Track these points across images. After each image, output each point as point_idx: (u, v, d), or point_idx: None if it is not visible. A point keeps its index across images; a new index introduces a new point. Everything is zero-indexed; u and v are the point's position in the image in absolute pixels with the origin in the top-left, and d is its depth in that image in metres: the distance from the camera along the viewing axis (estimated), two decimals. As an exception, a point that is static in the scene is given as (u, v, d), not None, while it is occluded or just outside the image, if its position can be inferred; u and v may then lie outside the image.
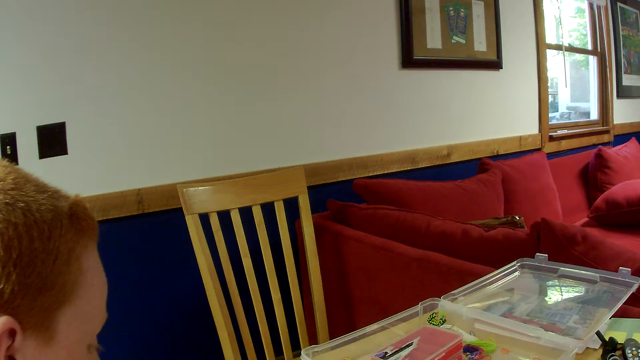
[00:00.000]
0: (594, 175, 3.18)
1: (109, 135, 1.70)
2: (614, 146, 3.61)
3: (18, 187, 0.42)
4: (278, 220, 1.59)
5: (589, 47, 3.88)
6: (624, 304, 0.95)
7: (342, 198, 1.97)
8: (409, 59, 2.47)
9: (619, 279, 1.04)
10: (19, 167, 0.46)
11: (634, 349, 0.83)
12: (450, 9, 2.63)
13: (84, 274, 0.45)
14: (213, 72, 1.90)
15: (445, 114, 2.69)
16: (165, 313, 1.82)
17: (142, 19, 1.74)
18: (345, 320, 1.83)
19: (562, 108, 4.16)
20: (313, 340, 1.69)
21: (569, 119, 4.01)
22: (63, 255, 0.43)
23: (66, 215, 0.45)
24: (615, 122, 3.93)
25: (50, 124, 1.59)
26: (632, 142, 3.59)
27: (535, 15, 3.18)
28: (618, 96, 3.95)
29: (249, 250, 1.53)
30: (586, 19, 3.88)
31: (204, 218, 1.47)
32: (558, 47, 3.57)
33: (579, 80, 4.17)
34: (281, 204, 1.60)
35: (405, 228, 1.67)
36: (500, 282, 1.13)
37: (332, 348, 0.88)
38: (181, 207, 1.46)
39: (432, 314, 1.00)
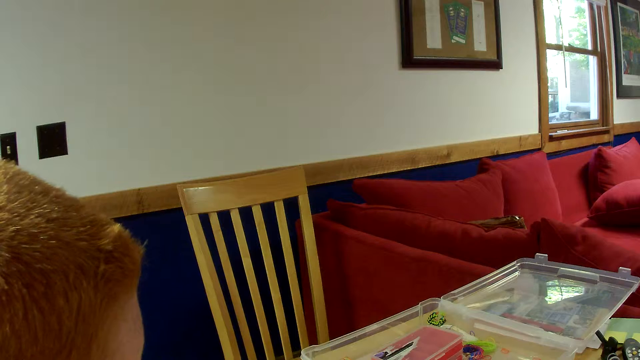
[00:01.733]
0: (594, 175, 3.18)
1: (109, 135, 1.70)
2: (614, 146, 3.61)
3: (19, 255, 0.28)
4: (278, 220, 1.59)
5: (589, 47, 3.88)
6: (624, 304, 0.95)
7: (342, 198, 1.97)
8: (409, 59, 2.47)
9: (619, 279, 1.04)
10: (18, 175, 0.32)
11: (634, 349, 0.83)
12: (450, 9, 2.63)
13: (111, 356, 0.33)
14: (213, 72, 1.90)
15: (445, 114, 2.69)
16: (165, 313, 1.82)
17: (142, 19, 1.74)
18: (345, 320, 1.83)
19: (562, 108, 4.16)
20: (313, 340, 1.69)
21: (569, 119, 4.01)
22: (80, 349, 0.30)
23: (92, 284, 0.31)
24: (615, 122, 3.93)
25: (50, 124, 1.59)
26: (632, 142, 3.59)
27: (535, 15, 3.18)
28: (618, 96, 3.95)
29: (249, 250, 1.53)
30: (586, 19, 3.88)
31: (204, 218, 1.47)
32: (558, 47, 3.57)
33: (579, 80, 4.17)
34: (281, 204, 1.60)
35: (405, 228, 1.67)
36: (500, 282, 1.13)
37: (332, 348, 0.88)
38: (181, 207, 1.46)
39: (432, 314, 1.00)
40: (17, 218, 0.29)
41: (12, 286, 0.27)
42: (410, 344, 0.83)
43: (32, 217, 0.29)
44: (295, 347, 1.62)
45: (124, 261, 0.34)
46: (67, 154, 1.62)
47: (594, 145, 3.45)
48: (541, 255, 1.18)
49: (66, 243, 0.30)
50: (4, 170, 0.32)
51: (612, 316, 0.93)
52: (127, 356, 0.35)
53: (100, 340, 0.32)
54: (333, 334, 1.35)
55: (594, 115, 3.91)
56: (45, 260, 0.28)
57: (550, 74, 3.50)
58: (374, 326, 0.93)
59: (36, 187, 0.32)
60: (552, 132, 3.34)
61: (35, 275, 0.28)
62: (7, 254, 0.27)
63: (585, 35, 3.91)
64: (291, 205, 1.67)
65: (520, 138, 3.10)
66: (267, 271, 1.56)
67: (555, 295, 1.12)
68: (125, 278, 0.34)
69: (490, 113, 2.93)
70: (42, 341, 0.28)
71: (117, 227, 0.35)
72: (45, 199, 0.31)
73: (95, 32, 1.65)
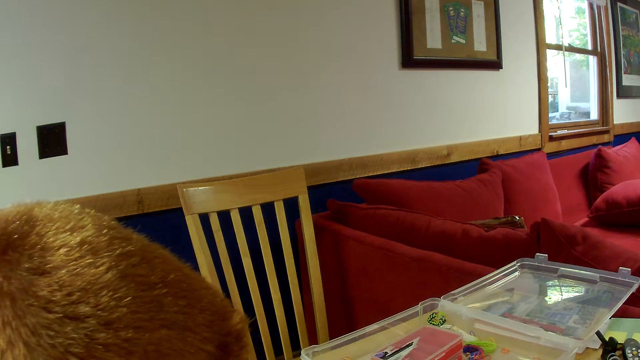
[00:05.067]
0: (594, 175, 3.18)
1: (109, 135, 1.70)
2: (614, 146, 3.61)
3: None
4: (278, 220, 1.59)
5: (589, 47, 3.88)
6: (624, 304, 0.95)
7: (342, 198, 1.97)
8: (409, 59, 2.47)
9: (619, 279, 1.04)
10: (133, 266, 0.28)
11: (634, 349, 0.83)
12: (450, 9, 2.63)
13: None
14: (213, 72, 1.90)
15: (445, 114, 2.69)
16: (165, 313, 1.81)
17: (142, 19, 1.74)
18: (345, 320, 1.83)
19: (562, 108, 4.16)
20: (313, 340, 1.69)
21: (569, 119, 4.01)
22: None
23: None
24: (615, 122, 3.93)
25: (50, 124, 1.59)
26: (632, 142, 3.59)
27: (535, 15, 3.18)
28: (618, 96, 3.95)
29: (249, 250, 1.53)
30: (586, 19, 3.88)
31: (204, 218, 1.47)
32: (558, 47, 3.57)
33: (579, 80, 4.17)
34: (281, 204, 1.60)
35: (405, 228, 1.67)
36: (500, 282, 1.13)
37: (332, 348, 0.88)
38: (181, 207, 1.46)
39: (432, 314, 1.00)
40: (146, 334, 0.25)
41: None
42: (410, 344, 0.83)
43: (160, 329, 0.26)
44: (295, 347, 1.62)
45: (245, 345, 0.32)
46: (67, 154, 1.62)
47: (594, 145, 3.45)
48: (541, 255, 1.18)
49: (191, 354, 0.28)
50: (115, 261, 0.27)
51: (612, 316, 0.93)
52: None
53: None
54: (333, 334, 1.35)
55: (594, 115, 3.91)
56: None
57: (550, 74, 3.50)
58: (374, 326, 0.93)
59: (152, 277, 0.28)
60: (552, 132, 3.34)
61: None
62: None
63: (585, 35, 3.91)
64: (291, 205, 1.67)
65: (520, 138, 3.10)
66: (267, 271, 1.56)
67: (555, 295, 1.12)
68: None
69: (490, 113, 2.93)
70: None
71: (236, 320, 0.32)
72: (167, 296, 0.28)
73: (95, 32, 1.65)
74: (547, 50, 3.29)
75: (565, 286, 1.12)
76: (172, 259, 0.31)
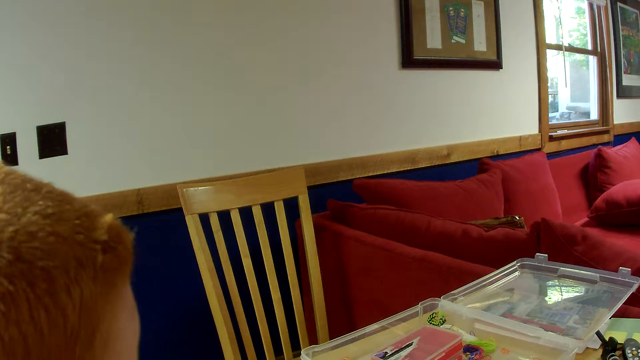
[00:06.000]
0: (594, 175, 3.18)
1: (109, 135, 1.70)
2: (613, 146, 3.61)
3: (20, 254, 0.28)
4: (278, 220, 1.59)
5: (589, 47, 3.88)
6: (624, 304, 0.95)
7: (342, 198, 1.97)
8: (409, 59, 2.47)
9: (619, 279, 1.04)
10: (10, 175, 0.32)
11: (634, 349, 0.83)
12: (450, 9, 2.63)
13: (110, 345, 0.33)
14: (213, 72, 1.90)
15: (445, 114, 2.69)
16: (164, 313, 1.82)
17: (142, 19, 1.74)
18: (345, 320, 1.83)
19: (562, 108, 4.16)
20: (313, 340, 1.69)
21: (569, 119, 4.01)
22: (84, 342, 0.30)
23: (91, 275, 0.31)
24: (615, 122, 3.93)
25: (50, 124, 1.59)
26: (632, 142, 3.60)
27: (535, 15, 3.18)
28: (618, 96, 3.95)
29: (249, 250, 1.53)
30: (586, 19, 3.88)
31: (204, 218, 1.47)
32: (558, 47, 3.57)
33: (579, 80, 4.17)
34: (281, 204, 1.60)
35: (405, 228, 1.67)
36: (500, 282, 1.13)
37: (332, 348, 0.88)
38: (181, 207, 1.46)
39: (432, 314, 1.00)
40: (15, 218, 0.29)
41: (17, 286, 0.27)
42: (410, 344, 0.83)
43: (29, 215, 0.30)
44: (295, 347, 1.62)
45: (119, 249, 0.34)
46: (67, 154, 1.62)
47: (594, 145, 3.45)
48: (541, 255, 1.18)
49: (64, 238, 0.30)
50: None
51: (612, 316, 0.93)
52: (128, 342, 0.36)
53: (103, 331, 0.32)
54: (333, 334, 1.35)
55: (594, 115, 3.91)
56: (46, 257, 0.29)
57: (550, 74, 3.50)
58: (374, 326, 0.93)
59: (28, 184, 0.32)
60: (552, 132, 3.34)
61: (38, 273, 0.28)
62: (8, 255, 0.27)
63: (585, 35, 3.91)
64: (291, 205, 1.67)
65: (520, 138, 3.10)
66: (267, 271, 1.56)
67: (555, 295, 1.12)
68: (121, 266, 0.34)
69: (490, 113, 2.93)
70: (47, 339, 0.28)
71: (109, 217, 0.35)
72: (38, 196, 0.32)
73: (95, 32, 1.65)
74: (547, 50, 3.29)
75: (565, 286, 1.12)
76: (54, 187, 0.35)
